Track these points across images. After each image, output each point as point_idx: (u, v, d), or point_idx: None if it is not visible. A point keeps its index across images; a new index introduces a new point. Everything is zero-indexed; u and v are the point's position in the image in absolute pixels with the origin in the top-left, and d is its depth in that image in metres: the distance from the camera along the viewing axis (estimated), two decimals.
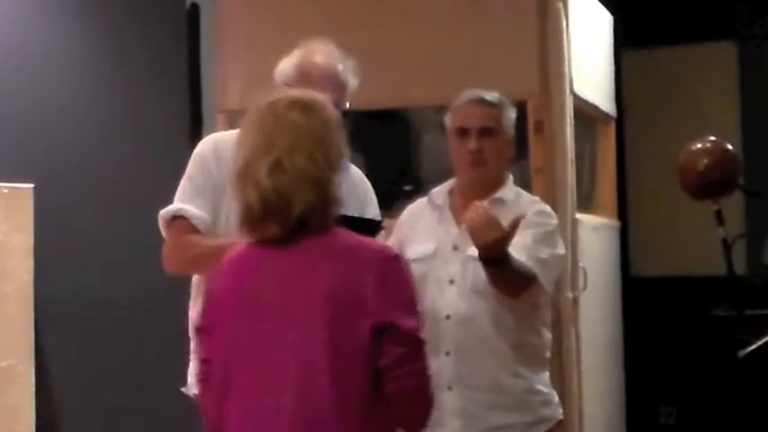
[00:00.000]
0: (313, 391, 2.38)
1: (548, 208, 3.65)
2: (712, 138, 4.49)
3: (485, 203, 3.29)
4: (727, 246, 4.39)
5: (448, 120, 3.64)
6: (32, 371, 4.73)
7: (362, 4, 5.09)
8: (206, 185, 3.37)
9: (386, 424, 2.45)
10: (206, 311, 2.56)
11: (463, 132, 3.57)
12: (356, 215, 3.31)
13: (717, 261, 4.49)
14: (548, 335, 3.62)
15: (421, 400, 2.47)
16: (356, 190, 3.50)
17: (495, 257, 3.24)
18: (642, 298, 6.66)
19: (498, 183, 3.59)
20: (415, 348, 2.43)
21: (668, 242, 6.94)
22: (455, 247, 3.54)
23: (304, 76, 3.37)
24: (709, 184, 4.36)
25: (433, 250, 3.58)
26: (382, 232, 3.34)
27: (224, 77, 5.24)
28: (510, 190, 3.60)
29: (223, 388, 2.48)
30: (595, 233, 5.34)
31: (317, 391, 2.38)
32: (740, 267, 4.62)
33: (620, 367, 5.88)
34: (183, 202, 3.37)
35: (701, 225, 5.04)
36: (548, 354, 3.63)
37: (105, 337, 5.21)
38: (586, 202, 5.50)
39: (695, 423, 6.75)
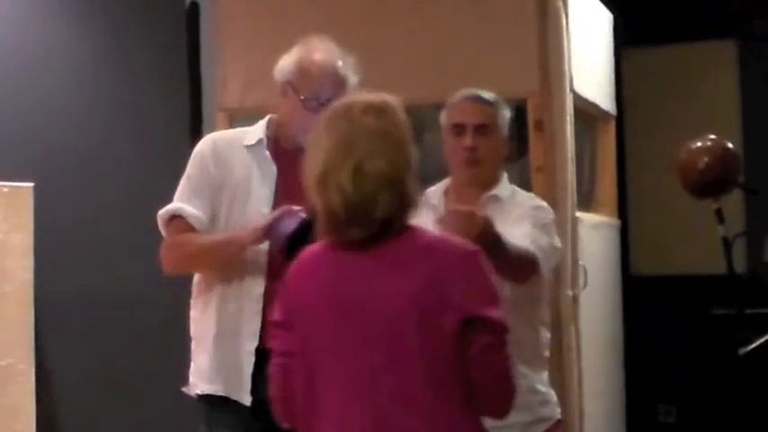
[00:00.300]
0: (405, 385, 2.48)
1: (544, 203, 3.65)
2: (712, 136, 4.49)
3: (459, 208, 3.26)
4: (727, 244, 4.40)
5: (443, 117, 3.64)
6: (32, 370, 4.74)
7: (362, 4, 5.09)
8: (204, 185, 3.38)
9: (474, 412, 2.55)
10: (284, 307, 2.63)
11: (459, 129, 3.56)
12: None
13: (717, 259, 4.49)
14: (546, 334, 3.62)
15: (505, 386, 2.57)
16: None
17: (488, 244, 3.20)
18: (642, 296, 6.66)
19: (493, 181, 3.58)
20: (500, 337, 2.54)
21: (668, 240, 6.94)
22: None
23: (304, 72, 3.38)
24: (710, 182, 4.36)
25: None
26: None
27: (224, 76, 5.24)
28: (505, 188, 3.59)
29: (310, 380, 2.56)
30: (595, 231, 5.34)
31: (410, 385, 2.48)
32: (740, 266, 4.62)
33: (620, 366, 5.88)
34: (182, 201, 3.39)
35: (701, 223, 5.05)
36: (546, 353, 3.63)
37: (105, 337, 5.21)
38: (587, 200, 5.50)
39: (695, 422, 6.75)
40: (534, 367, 3.54)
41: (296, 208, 3.21)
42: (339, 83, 3.38)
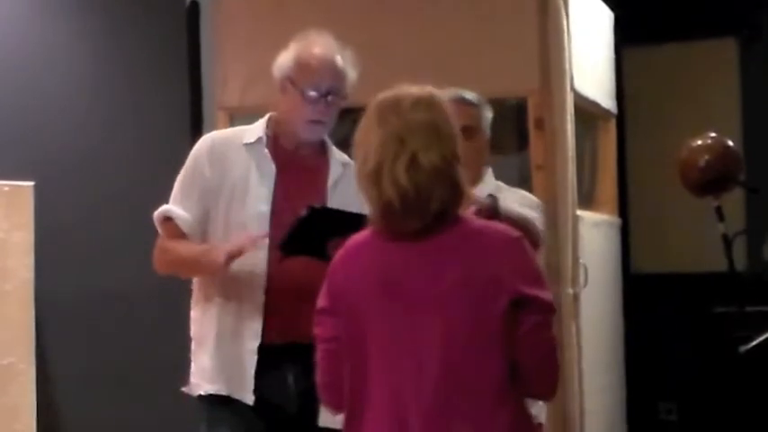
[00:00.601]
0: (454, 365, 2.53)
1: (531, 196, 3.69)
2: (713, 134, 4.49)
3: None
4: (727, 242, 4.40)
5: None
6: (33, 369, 4.74)
7: (362, 3, 5.09)
8: (195, 186, 3.38)
9: (520, 395, 2.60)
10: (330, 294, 2.69)
11: None
12: (340, 208, 3.32)
13: (717, 257, 4.49)
14: None
15: (552, 366, 2.62)
16: (352, 188, 3.48)
17: (489, 215, 3.21)
18: (643, 294, 6.66)
19: (478, 179, 3.58)
20: (548, 317, 2.60)
21: (669, 239, 6.94)
22: None
23: (303, 66, 3.36)
24: (710, 180, 4.36)
25: None
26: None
27: (224, 75, 5.24)
28: (488, 185, 3.60)
29: (358, 366, 2.61)
30: (596, 230, 5.34)
31: (459, 364, 2.53)
32: (741, 264, 4.62)
33: (620, 364, 5.88)
34: (174, 202, 3.40)
35: (701, 221, 5.05)
36: None
37: (106, 336, 5.21)
38: (587, 198, 5.50)
39: (696, 419, 6.74)
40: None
41: (260, 235, 3.24)
42: (338, 75, 3.37)
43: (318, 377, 2.73)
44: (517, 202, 3.49)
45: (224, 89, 5.24)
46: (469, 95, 3.62)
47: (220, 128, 4.85)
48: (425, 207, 2.58)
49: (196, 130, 5.27)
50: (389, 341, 2.60)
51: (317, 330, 2.72)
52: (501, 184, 3.68)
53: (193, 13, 5.60)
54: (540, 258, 3.44)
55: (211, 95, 5.38)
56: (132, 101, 5.42)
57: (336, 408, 2.72)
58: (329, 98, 3.36)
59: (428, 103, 2.66)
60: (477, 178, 3.59)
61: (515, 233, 2.64)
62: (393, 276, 2.61)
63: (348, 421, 2.67)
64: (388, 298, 2.60)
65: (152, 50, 5.48)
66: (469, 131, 3.53)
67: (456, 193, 2.62)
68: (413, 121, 2.62)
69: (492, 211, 3.22)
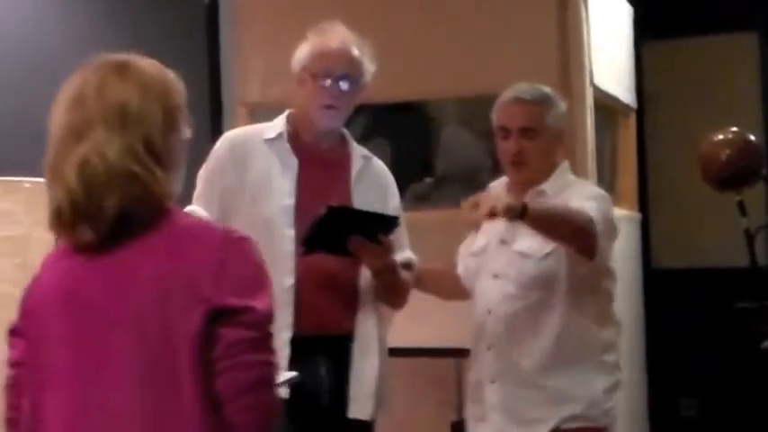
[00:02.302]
0: (149, 399, 2.09)
1: (599, 189, 3.63)
2: (734, 129, 4.47)
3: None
4: (749, 237, 4.37)
5: (493, 116, 3.61)
6: None
7: None
8: (215, 186, 3.39)
9: (220, 427, 2.10)
10: (21, 314, 2.28)
11: (505, 132, 3.53)
12: (369, 210, 3.32)
13: (739, 252, 4.47)
14: (603, 333, 3.54)
15: (256, 399, 2.10)
16: (378, 182, 3.50)
17: (517, 216, 3.17)
18: (664, 290, 6.65)
19: (545, 177, 3.54)
20: (261, 334, 2.12)
21: (690, 234, 6.92)
22: (503, 241, 3.53)
23: (318, 55, 3.38)
24: (732, 174, 4.34)
25: (485, 244, 3.58)
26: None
27: (244, 71, 5.25)
28: (556, 181, 3.54)
29: (37, 398, 2.19)
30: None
31: (155, 399, 2.08)
32: (763, 258, 4.59)
33: (641, 359, 5.86)
34: (196, 202, 3.41)
35: (722, 216, 5.03)
36: (603, 355, 3.52)
37: None
38: (607, 193, 5.48)
39: (717, 415, 6.73)
40: (578, 366, 3.47)
41: None
42: (353, 62, 3.38)
43: (5, 411, 2.30)
44: (577, 194, 3.45)
45: (244, 85, 5.24)
46: (529, 94, 3.53)
47: (241, 124, 4.86)
48: (99, 214, 2.12)
49: (216, 126, 5.27)
50: (70, 371, 2.14)
51: (8, 353, 2.31)
52: (573, 178, 3.63)
53: (213, 9, 5.61)
54: (603, 241, 3.36)
55: (231, 91, 5.39)
56: None
57: None
58: (343, 85, 3.35)
59: (119, 81, 2.23)
60: (544, 175, 3.54)
61: (235, 234, 2.18)
62: (75, 294, 2.16)
63: None
64: (68, 319, 2.15)
65: (172, 46, 5.48)
66: (528, 133, 3.50)
67: (147, 193, 2.14)
68: (96, 107, 2.18)
69: (517, 213, 3.16)
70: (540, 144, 3.51)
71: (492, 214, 3.10)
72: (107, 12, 5.35)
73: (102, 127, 2.16)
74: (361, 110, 5.26)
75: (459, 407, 4.39)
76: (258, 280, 2.16)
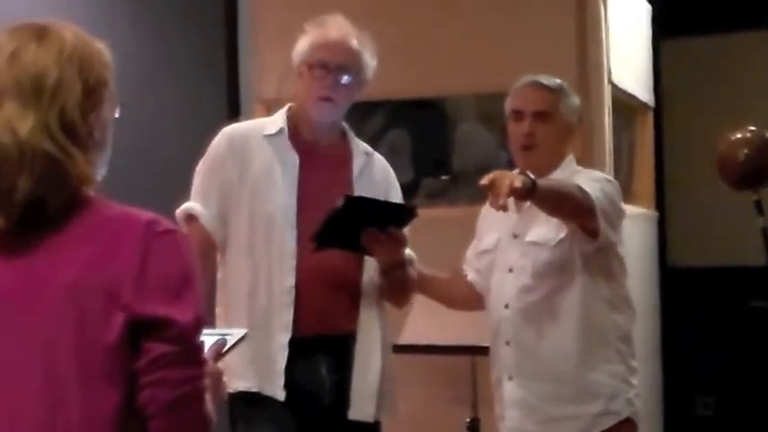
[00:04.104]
0: (57, 410, 1.88)
1: (606, 175, 3.62)
2: (752, 127, 4.46)
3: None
4: (766, 236, 4.37)
5: (506, 103, 3.61)
6: None
7: None
8: (214, 182, 3.36)
9: None
10: None
11: (518, 115, 3.54)
12: (387, 200, 3.31)
13: (755, 251, 4.46)
14: (617, 318, 3.53)
15: (178, 416, 1.89)
16: (379, 177, 3.48)
17: (526, 193, 3.17)
18: (680, 288, 6.63)
19: (553, 166, 3.54)
20: (186, 348, 1.90)
21: (706, 232, 6.89)
22: (515, 235, 3.52)
23: (315, 47, 3.35)
24: (749, 173, 4.33)
25: (496, 240, 3.57)
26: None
27: (261, 66, 5.25)
28: (563, 171, 3.54)
29: None
30: (633, 223, 5.31)
31: (62, 409, 1.88)
32: None
33: (657, 358, 5.85)
34: (195, 199, 3.39)
35: (739, 215, 5.02)
36: (618, 342, 3.52)
37: None
38: (624, 192, 5.46)
39: (733, 414, 6.71)
40: (600, 358, 3.46)
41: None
42: (351, 54, 3.34)
43: None
44: (583, 178, 3.45)
45: (261, 81, 5.25)
46: (547, 81, 3.56)
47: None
48: (9, 197, 1.89)
49: (234, 123, 5.28)
50: None
51: None
52: (580, 168, 3.63)
53: (231, 5, 5.61)
54: (606, 220, 3.35)
55: (249, 88, 5.39)
56: (169, 94, 5.43)
57: None
58: (340, 76, 3.32)
59: (36, 48, 1.96)
60: (553, 164, 3.54)
61: (160, 226, 1.94)
62: None
63: None
64: None
65: (190, 42, 5.50)
66: (543, 116, 3.51)
67: (63, 176, 1.92)
68: (9, 76, 1.94)
69: (530, 187, 3.13)
70: (552, 130, 3.52)
71: (512, 191, 3.07)
72: (127, 11, 5.36)
73: (14, 99, 1.92)
74: (378, 106, 5.27)
75: (475, 405, 4.39)
76: (185, 280, 1.91)
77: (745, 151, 4.34)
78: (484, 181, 3.10)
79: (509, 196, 3.08)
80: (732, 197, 4.70)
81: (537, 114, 3.51)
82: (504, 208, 3.09)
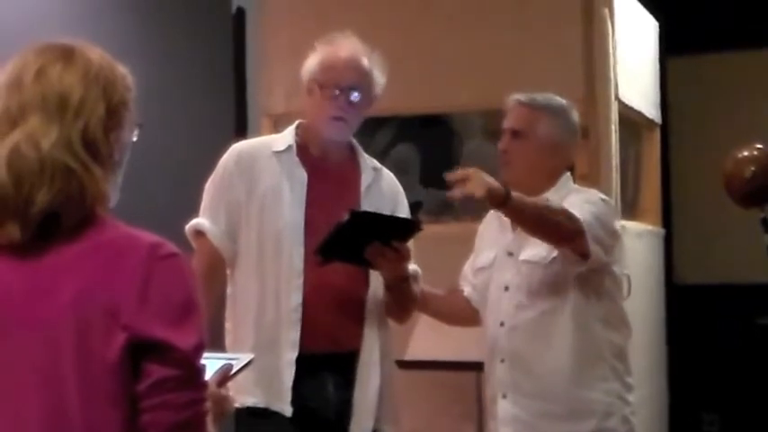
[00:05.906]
0: (59, 425, 1.90)
1: (601, 195, 3.61)
2: (759, 145, 4.46)
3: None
4: None
5: None
6: None
7: (406, 9, 5.09)
8: (223, 198, 3.38)
9: None
10: None
11: (502, 131, 3.59)
12: (392, 215, 3.32)
13: (762, 269, 4.46)
14: (610, 335, 3.54)
15: None
16: (387, 193, 3.49)
17: (499, 202, 3.20)
18: (686, 305, 6.63)
19: (546, 187, 3.54)
20: (187, 373, 1.90)
21: (713, 249, 6.90)
22: (509, 253, 3.53)
23: (326, 66, 3.37)
24: (756, 191, 4.33)
25: (493, 257, 3.58)
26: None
27: (269, 82, 5.26)
28: (559, 190, 3.54)
29: None
30: (639, 240, 5.32)
31: (65, 425, 1.89)
32: None
33: (663, 374, 5.85)
34: (204, 216, 3.41)
35: (746, 232, 5.01)
36: (615, 361, 3.54)
37: None
38: (631, 208, 5.47)
39: (739, 431, 6.70)
40: (596, 376, 3.48)
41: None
42: (362, 73, 3.36)
43: None
44: (576, 198, 3.45)
45: (269, 96, 5.26)
46: (528, 97, 3.57)
47: (265, 135, 4.87)
48: (27, 209, 1.91)
49: (241, 137, 5.28)
50: None
51: None
52: (576, 186, 3.64)
53: (239, 20, 5.62)
54: (597, 242, 3.35)
55: (256, 102, 5.40)
56: (177, 107, 5.45)
57: None
58: (352, 96, 3.34)
59: (62, 67, 2.00)
60: (538, 182, 3.53)
61: (163, 250, 1.96)
62: None
63: None
64: None
65: (198, 57, 5.51)
66: (516, 134, 3.53)
67: (81, 191, 1.94)
68: (34, 92, 1.97)
69: (502, 197, 3.17)
70: (524, 148, 3.53)
71: (478, 191, 3.10)
72: (135, 24, 5.37)
73: (38, 115, 1.96)
74: (386, 122, 5.28)
75: (480, 421, 4.39)
76: (187, 305, 1.93)
77: (752, 169, 4.33)
78: (458, 175, 3.13)
79: (471, 195, 3.11)
80: (739, 214, 4.70)
81: (512, 132, 3.55)
82: (456, 199, 3.14)
